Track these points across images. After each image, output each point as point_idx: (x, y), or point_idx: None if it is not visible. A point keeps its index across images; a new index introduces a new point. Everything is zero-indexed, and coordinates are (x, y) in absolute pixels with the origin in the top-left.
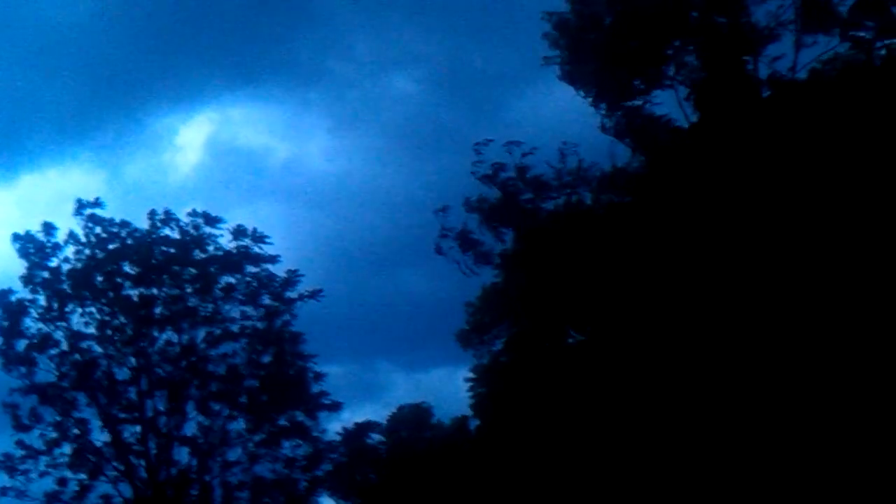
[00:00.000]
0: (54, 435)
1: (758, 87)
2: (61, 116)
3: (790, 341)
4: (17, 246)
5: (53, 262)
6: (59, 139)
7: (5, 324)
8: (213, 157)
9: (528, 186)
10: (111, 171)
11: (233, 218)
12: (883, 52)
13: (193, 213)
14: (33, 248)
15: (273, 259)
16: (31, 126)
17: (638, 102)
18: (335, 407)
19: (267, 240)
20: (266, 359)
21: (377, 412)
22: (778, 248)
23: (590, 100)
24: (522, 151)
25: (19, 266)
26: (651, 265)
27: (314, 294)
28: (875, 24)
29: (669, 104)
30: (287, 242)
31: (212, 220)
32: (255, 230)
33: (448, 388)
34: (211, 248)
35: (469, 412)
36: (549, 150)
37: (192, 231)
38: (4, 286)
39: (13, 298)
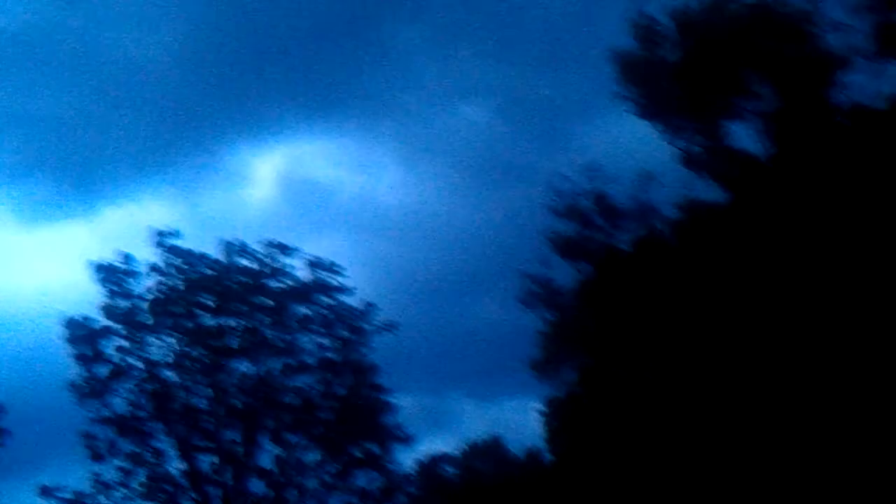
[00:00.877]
0: (130, 466)
1: (835, 116)
2: (141, 151)
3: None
4: (98, 275)
5: (133, 292)
6: (139, 173)
7: (84, 353)
8: (286, 191)
9: (605, 216)
10: (188, 205)
11: (306, 250)
12: None
13: (268, 244)
14: (113, 277)
15: (347, 290)
16: (112, 160)
17: (712, 133)
18: (407, 439)
19: (341, 271)
20: (340, 390)
21: (448, 443)
22: (862, 281)
23: (663, 132)
24: (601, 178)
25: (96, 295)
26: (730, 297)
27: (389, 327)
28: None
29: (745, 135)
30: (359, 273)
31: (286, 251)
32: (331, 262)
33: (520, 419)
34: (286, 279)
35: (541, 444)
36: (621, 181)
37: (267, 261)
38: (82, 315)
39: (92, 328)
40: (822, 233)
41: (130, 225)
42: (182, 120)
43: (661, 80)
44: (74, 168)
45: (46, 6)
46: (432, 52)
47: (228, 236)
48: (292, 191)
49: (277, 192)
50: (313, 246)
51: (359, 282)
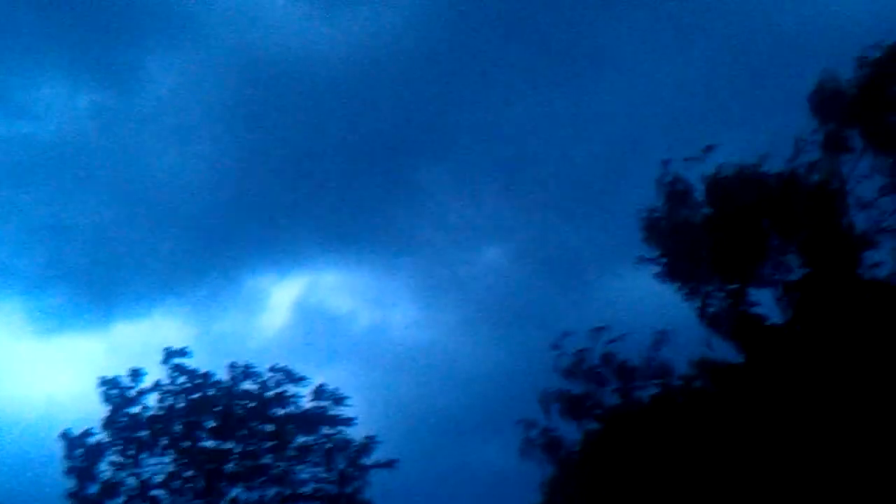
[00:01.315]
0: None
1: (858, 291)
2: (161, 269)
3: None
4: (103, 389)
5: (136, 409)
6: (157, 291)
7: (81, 466)
8: (301, 320)
9: (614, 374)
10: (202, 326)
11: (313, 379)
12: None
13: (275, 369)
14: (117, 392)
15: (349, 422)
16: (132, 276)
17: (733, 297)
18: None
19: (346, 402)
20: None
21: None
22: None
23: (684, 292)
24: (609, 338)
25: (100, 409)
26: (737, 456)
27: (389, 463)
28: None
29: (766, 300)
30: (365, 406)
31: (294, 379)
32: (335, 391)
33: None
34: (291, 406)
35: None
36: (639, 335)
37: (272, 386)
38: (81, 429)
39: (92, 441)
40: (831, 399)
41: (143, 341)
42: (205, 241)
43: (685, 241)
44: (94, 281)
45: (81, 118)
46: (457, 191)
47: (238, 359)
48: (307, 320)
49: (292, 319)
50: (322, 375)
51: (364, 415)
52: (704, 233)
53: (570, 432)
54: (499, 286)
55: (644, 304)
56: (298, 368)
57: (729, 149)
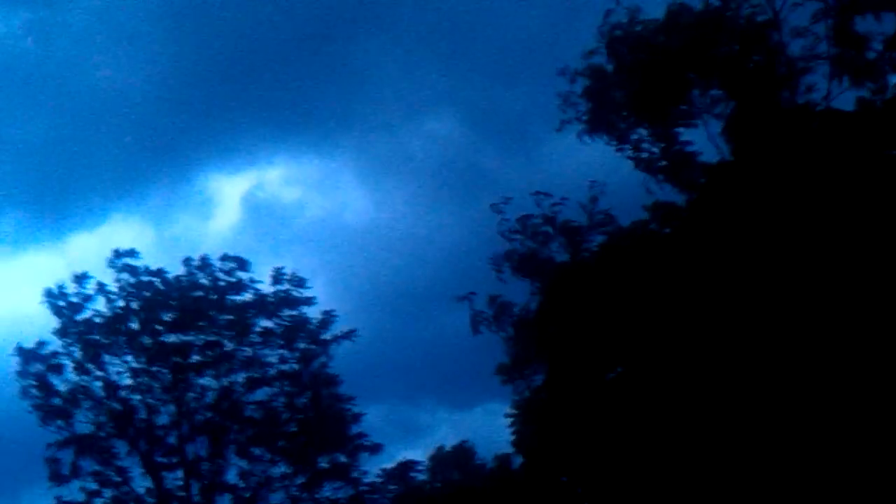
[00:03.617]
0: (94, 486)
1: (794, 117)
2: (110, 179)
3: (831, 375)
4: (50, 302)
5: (86, 314)
6: (109, 201)
7: (41, 377)
8: (253, 214)
9: (559, 234)
10: (158, 230)
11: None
12: None
13: (226, 258)
14: (64, 301)
15: (309, 301)
16: (83, 187)
17: (669, 139)
18: (375, 448)
19: (306, 283)
20: (305, 401)
21: (422, 454)
22: (818, 275)
23: (615, 145)
24: (552, 202)
25: (53, 320)
26: (688, 296)
27: (348, 334)
28: None
29: (699, 138)
30: (328, 292)
31: (244, 265)
32: (293, 274)
33: (493, 425)
34: (247, 293)
35: (511, 449)
36: (581, 193)
37: (225, 276)
38: (37, 341)
39: (47, 351)
40: (781, 231)
41: (101, 251)
42: (153, 146)
43: (614, 91)
44: (46, 197)
45: (19, 33)
46: (396, 63)
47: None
48: (259, 214)
49: (244, 215)
50: (278, 263)
51: (327, 299)
52: (632, 78)
53: (523, 294)
54: (445, 156)
55: (592, 165)
56: (258, 260)
57: None
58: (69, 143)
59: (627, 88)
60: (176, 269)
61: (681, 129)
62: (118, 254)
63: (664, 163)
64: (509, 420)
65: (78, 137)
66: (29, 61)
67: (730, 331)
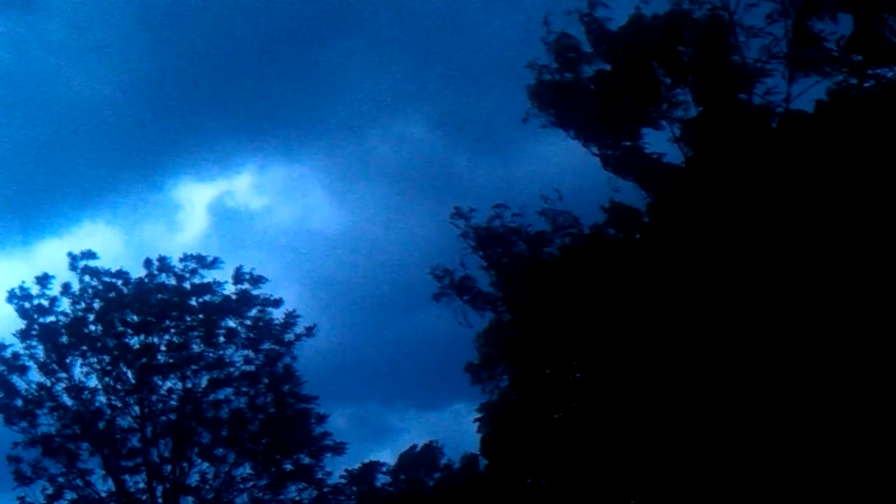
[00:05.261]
0: (56, 487)
1: (753, 121)
2: (81, 186)
3: (794, 382)
4: (14, 303)
5: (51, 317)
6: (79, 206)
7: (2, 377)
8: (221, 220)
9: (524, 242)
10: (126, 237)
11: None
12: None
13: (186, 258)
14: (28, 303)
15: (277, 303)
16: (54, 194)
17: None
18: (339, 449)
19: (265, 282)
20: (268, 402)
21: (390, 456)
22: (777, 277)
23: (581, 142)
24: (512, 213)
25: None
26: (650, 299)
27: (309, 331)
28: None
29: (661, 141)
30: (298, 297)
31: (206, 264)
32: (251, 272)
33: (461, 426)
34: (210, 294)
35: (478, 450)
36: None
37: (187, 276)
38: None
39: (9, 353)
40: (740, 235)
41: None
42: (123, 154)
43: (577, 93)
44: (15, 202)
45: None
46: (362, 67)
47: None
48: (226, 220)
49: (212, 221)
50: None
51: (295, 304)
52: (593, 80)
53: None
54: (415, 159)
55: (561, 164)
56: (223, 267)
57: None
58: (42, 150)
59: (596, 89)
60: (143, 273)
61: (646, 130)
62: (78, 256)
63: (627, 162)
64: (477, 422)
65: (50, 145)
66: (4, 70)
67: (688, 334)
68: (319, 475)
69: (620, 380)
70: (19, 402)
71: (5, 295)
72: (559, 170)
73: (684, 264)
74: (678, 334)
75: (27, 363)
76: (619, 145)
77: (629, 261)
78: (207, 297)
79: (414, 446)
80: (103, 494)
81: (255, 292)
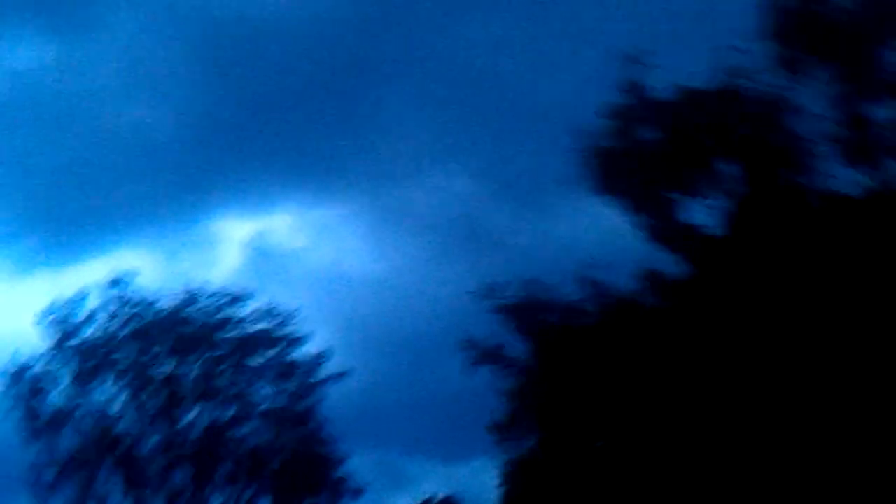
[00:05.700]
0: None
1: (800, 202)
2: (123, 210)
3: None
4: (44, 322)
5: (80, 338)
6: (118, 231)
7: (26, 397)
8: (257, 258)
9: (556, 312)
10: (163, 265)
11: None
12: None
13: (218, 293)
14: (59, 324)
15: (300, 341)
16: (95, 218)
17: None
18: (357, 493)
19: (295, 322)
20: (290, 440)
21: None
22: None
23: (621, 209)
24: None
25: (48, 342)
26: (678, 371)
27: (339, 376)
28: None
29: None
30: (326, 339)
31: (237, 299)
32: (286, 312)
33: (481, 483)
34: (239, 329)
35: None
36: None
37: (217, 310)
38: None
39: (36, 371)
40: (778, 306)
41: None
42: (168, 184)
43: (621, 161)
44: (57, 223)
45: (50, 65)
46: (404, 116)
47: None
48: (262, 258)
49: (247, 258)
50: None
51: (323, 345)
52: (644, 149)
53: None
54: (452, 211)
55: (599, 228)
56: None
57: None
58: (87, 171)
59: (635, 160)
60: (175, 303)
61: (687, 199)
62: (112, 281)
63: (667, 232)
64: (499, 478)
65: (96, 167)
66: (57, 93)
67: (718, 409)
68: None
69: (647, 452)
70: (44, 421)
71: (36, 315)
72: (598, 233)
73: (719, 339)
74: (709, 409)
75: (55, 383)
76: (659, 215)
77: (663, 331)
78: (236, 333)
79: (431, 498)
80: None
81: (284, 331)
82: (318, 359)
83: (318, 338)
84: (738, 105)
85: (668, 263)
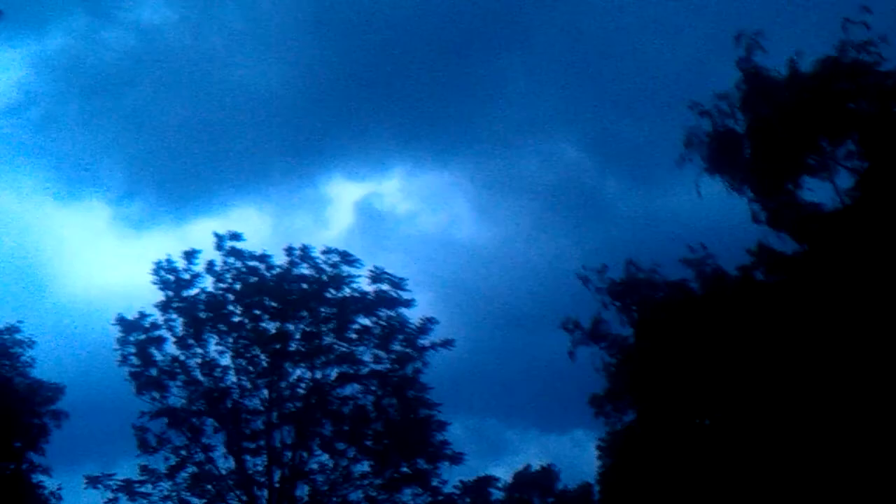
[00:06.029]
0: (178, 459)
1: None
2: (238, 169)
3: None
4: (158, 275)
5: (192, 291)
6: (233, 190)
7: (141, 346)
8: (366, 220)
9: (661, 289)
10: (275, 223)
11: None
12: None
13: (329, 251)
14: (172, 276)
15: (408, 303)
16: (211, 176)
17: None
18: (457, 458)
19: (404, 284)
20: (394, 403)
21: (505, 473)
22: None
23: (737, 190)
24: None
25: (159, 295)
26: (791, 350)
27: (446, 343)
28: None
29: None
30: (432, 303)
31: (348, 260)
32: (392, 275)
33: (579, 454)
34: (347, 289)
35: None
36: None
37: (328, 269)
38: (140, 312)
39: (148, 322)
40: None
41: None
42: (281, 145)
43: (733, 143)
44: (173, 181)
45: (174, 26)
46: (527, 83)
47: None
48: (371, 220)
49: (357, 220)
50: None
51: (428, 310)
52: (752, 131)
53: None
54: (561, 179)
55: (711, 203)
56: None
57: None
58: (204, 131)
59: (753, 139)
60: (285, 262)
61: (807, 179)
62: (225, 237)
63: (781, 214)
64: (597, 451)
65: (212, 127)
66: (179, 53)
67: (832, 390)
68: (435, 482)
69: (753, 431)
70: (154, 372)
71: (150, 269)
72: (707, 210)
73: (833, 317)
74: (822, 391)
75: (165, 335)
76: (773, 197)
77: (776, 306)
78: (345, 292)
79: (529, 466)
80: (223, 472)
81: (392, 294)
82: (427, 323)
83: (423, 303)
84: (859, 80)
85: (782, 242)
